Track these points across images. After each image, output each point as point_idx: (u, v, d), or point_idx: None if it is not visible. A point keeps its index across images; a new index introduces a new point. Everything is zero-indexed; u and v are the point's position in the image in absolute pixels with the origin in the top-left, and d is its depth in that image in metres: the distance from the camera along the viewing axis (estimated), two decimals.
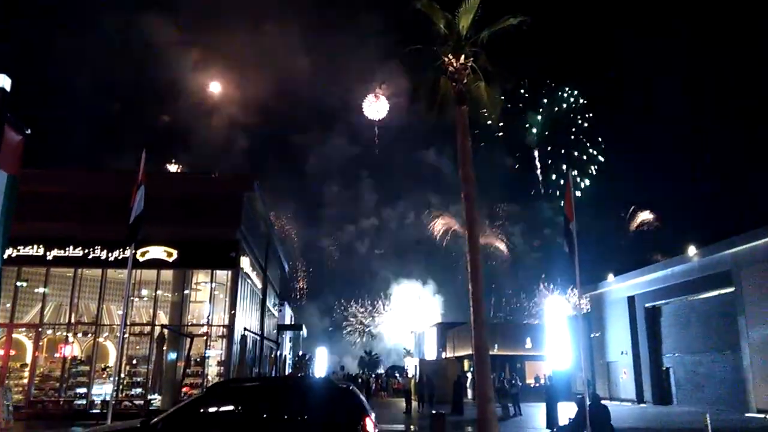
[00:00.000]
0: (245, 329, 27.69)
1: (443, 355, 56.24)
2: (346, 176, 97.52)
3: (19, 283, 23.52)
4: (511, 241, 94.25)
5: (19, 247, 22.69)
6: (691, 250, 28.55)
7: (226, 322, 24.75)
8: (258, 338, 30.76)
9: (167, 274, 24.66)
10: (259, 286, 32.11)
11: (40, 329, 23.74)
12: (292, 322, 56.74)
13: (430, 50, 17.17)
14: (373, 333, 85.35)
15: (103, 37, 76.73)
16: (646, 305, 33.21)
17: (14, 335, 23.58)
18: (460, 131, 16.24)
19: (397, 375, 52.28)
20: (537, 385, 41.06)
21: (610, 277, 36.80)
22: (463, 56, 16.28)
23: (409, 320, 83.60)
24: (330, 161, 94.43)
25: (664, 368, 32.05)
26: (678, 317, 31.22)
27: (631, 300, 34.37)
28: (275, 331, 41.09)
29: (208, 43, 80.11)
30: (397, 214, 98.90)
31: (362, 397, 8.74)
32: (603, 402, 15.12)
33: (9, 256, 22.72)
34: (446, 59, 16.45)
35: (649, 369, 32.47)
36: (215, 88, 78.60)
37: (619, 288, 35.81)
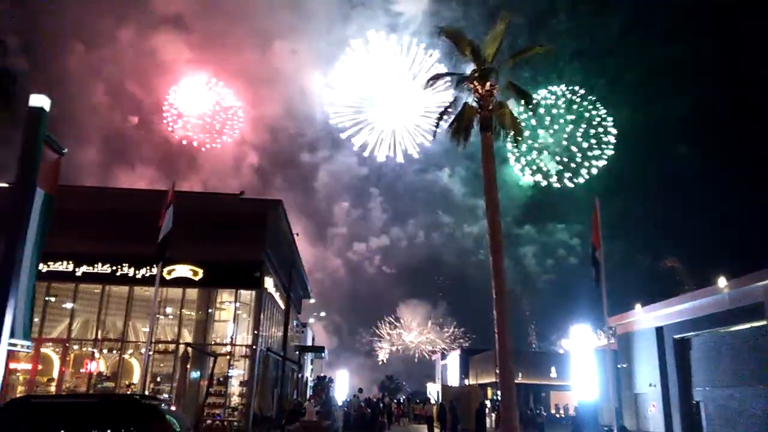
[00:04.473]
0: (268, 349, 27.76)
1: (466, 382, 55.58)
2: (355, 195, 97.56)
3: (47, 298, 24.01)
4: (523, 264, 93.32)
5: (49, 263, 23.17)
6: (721, 282, 27.89)
7: (249, 342, 24.87)
8: (280, 359, 30.80)
9: (192, 293, 24.95)
10: (282, 306, 32.23)
11: (67, 344, 24.13)
12: (314, 344, 56.66)
13: (455, 76, 17.36)
14: (388, 357, 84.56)
15: (115, 54, 79.07)
16: (675, 337, 32.43)
17: (42, 350, 23.99)
18: (485, 156, 16.29)
19: (418, 401, 51.62)
20: (559, 415, 40.30)
21: (638, 307, 36.08)
22: (488, 83, 16.40)
23: (423, 345, 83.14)
24: (340, 180, 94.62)
25: (694, 402, 31.15)
26: (708, 350, 30.39)
27: (659, 331, 33.60)
28: (297, 352, 41.08)
29: (219, 61, 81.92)
30: (407, 234, 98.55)
31: (168, 416, 8.76)
32: None
33: (39, 271, 23.25)
34: (472, 85, 16.58)
35: (679, 402, 31.56)
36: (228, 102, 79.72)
37: (646, 318, 35.07)
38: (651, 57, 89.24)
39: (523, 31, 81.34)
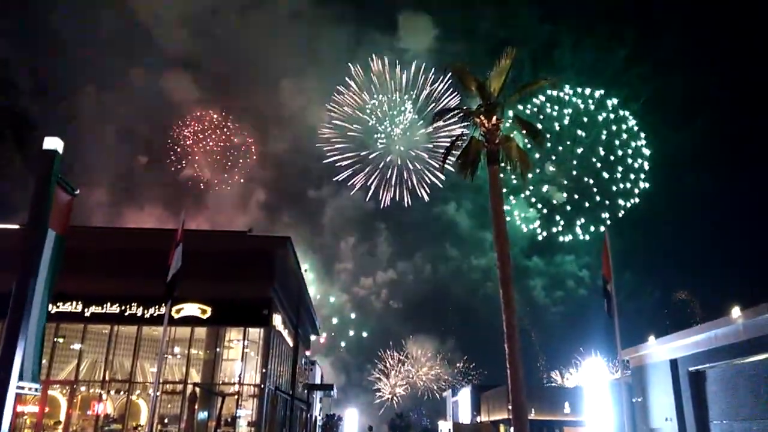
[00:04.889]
0: (276, 389, 27.40)
1: (478, 419, 54.58)
2: (362, 230, 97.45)
3: (56, 339, 23.89)
4: (532, 296, 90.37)
5: (58, 304, 23.12)
6: (735, 312, 27.48)
7: (258, 381, 24.58)
8: (289, 398, 30.36)
9: (200, 332, 24.79)
10: (291, 344, 31.93)
11: (74, 386, 23.90)
12: (322, 382, 55.96)
13: (462, 110, 17.54)
14: (398, 395, 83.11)
15: (125, 95, 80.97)
16: (690, 369, 31.82)
17: (49, 392, 23.77)
18: (492, 190, 16.32)
19: None
20: None
21: (651, 339, 35.55)
22: (494, 117, 16.53)
23: (430, 379, 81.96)
24: (346, 215, 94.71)
25: None
26: (724, 382, 29.77)
27: (673, 363, 32.99)
28: (305, 391, 40.53)
29: (227, 100, 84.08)
30: (414, 268, 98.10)
31: None
32: None
33: (48, 312, 23.18)
34: (478, 120, 16.72)
35: None
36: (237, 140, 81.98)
37: (660, 351, 34.51)
38: (655, 88, 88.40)
39: (527, 64, 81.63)
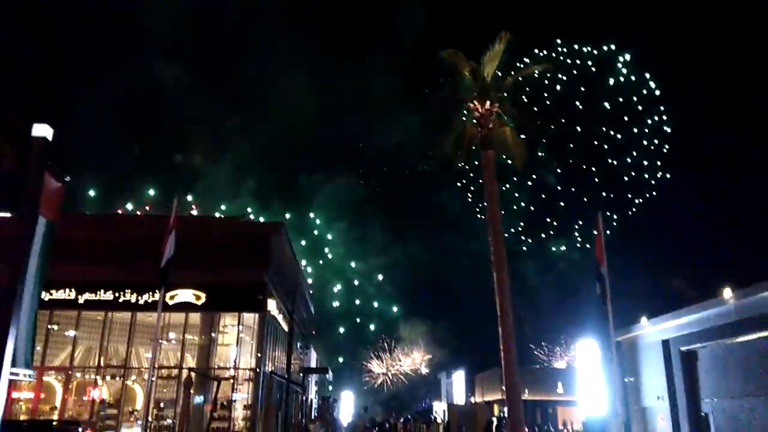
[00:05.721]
0: (272, 372, 27.54)
1: (472, 400, 55.17)
2: (354, 214, 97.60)
3: (50, 327, 23.88)
4: (524, 279, 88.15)
5: (51, 291, 23.05)
6: (726, 293, 27.74)
7: (253, 365, 24.69)
8: (284, 382, 30.54)
9: (195, 317, 24.82)
10: (286, 328, 32.05)
11: (69, 372, 23.94)
12: (318, 365, 56.27)
13: (455, 96, 17.48)
14: (392, 379, 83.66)
15: (115, 82, 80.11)
16: (682, 349, 32.23)
17: (44, 378, 23.82)
18: (486, 175, 16.32)
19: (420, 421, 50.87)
20: (567, 431, 39.94)
21: (643, 320, 35.87)
22: (488, 102, 16.48)
23: (423, 361, 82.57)
24: (338, 200, 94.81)
25: (702, 414, 30.86)
26: (716, 361, 30.20)
27: (665, 343, 33.41)
28: (301, 374, 40.76)
29: (217, 88, 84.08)
30: (406, 252, 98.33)
31: None
32: None
33: (42, 299, 23.15)
34: (471, 105, 16.67)
35: (687, 415, 31.29)
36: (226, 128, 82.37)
37: (652, 331, 34.89)
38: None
39: (521, 49, 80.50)
